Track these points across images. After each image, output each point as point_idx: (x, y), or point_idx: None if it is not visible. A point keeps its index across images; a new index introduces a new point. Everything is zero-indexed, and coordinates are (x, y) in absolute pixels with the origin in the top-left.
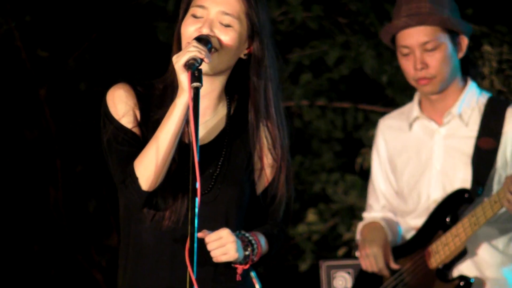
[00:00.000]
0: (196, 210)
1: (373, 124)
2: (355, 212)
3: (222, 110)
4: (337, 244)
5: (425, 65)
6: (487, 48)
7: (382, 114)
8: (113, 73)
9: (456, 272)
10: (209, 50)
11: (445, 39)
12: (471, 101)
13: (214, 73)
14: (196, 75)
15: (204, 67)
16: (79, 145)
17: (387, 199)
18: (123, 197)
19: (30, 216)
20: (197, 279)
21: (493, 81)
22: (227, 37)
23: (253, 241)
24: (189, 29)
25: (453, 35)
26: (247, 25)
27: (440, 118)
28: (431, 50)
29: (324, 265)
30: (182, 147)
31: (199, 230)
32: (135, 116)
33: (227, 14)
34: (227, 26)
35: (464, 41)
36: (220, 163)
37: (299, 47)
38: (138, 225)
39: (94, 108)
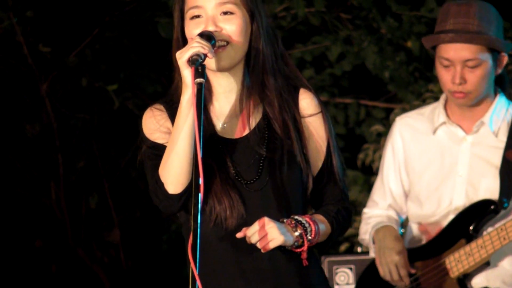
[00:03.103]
0: (199, 206)
1: (375, 120)
2: (356, 207)
3: (255, 98)
4: (339, 239)
5: (463, 81)
6: None
7: (384, 109)
8: (114, 69)
9: (476, 281)
10: (213, 46)
11: (487, 58)
12: (501, 112)
13: (233, 66)
14: (199, 71)
15: (223, 62)
16: (81, 141)
17: (394, 198)
18: (156, 205)
19: (31, 211)
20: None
21: None
22: (234, 26)
23: (303, 221)
24: (194, 32)
25: (495, 53)
26: (245, 9)
27: (468, 126)
28: (472, 67)
29: (326, 260)
30: (221, 142)
31: (258, 218)
32: (167, 131)
33: (224, 3)
34: (229, 13)
35: (505, 59)
36: (264, 150)
37: (301, 43)
38: (201, 227)
39: (95, 103)
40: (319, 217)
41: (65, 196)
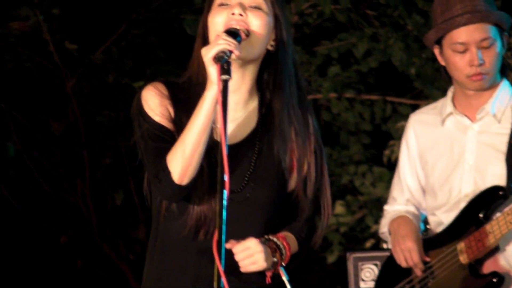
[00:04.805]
0: (225, 202)
1: (401, 116)
2: (382, 204)
3: (253, 106)
4: (364, 236)
5: (482, 61)
6: None
7: (411, 106)
8: (140, 66)
9: (486, 266)
10: (239, 43)
11: (497, 36)
12: (505, 98)
13: (246, 61)
14: (225, 68)
15: (240, 51)
16: (106, 137)
17: (412, 193)
18: (157, 191)
19: (57, 208)
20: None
21: None
22: (259, 21)
23: (281, 246)
24: (218, 17)
25: (502, 33)
26: (273, 12)
27: (473, 114)
28: (487, 48)
29: (351, 257)
30: (214, 146)
31: (229, 231)
32: (168, 113)
33: None
34: (257, 8)
35: (507, 39)
36: (253, 162)
37: (327, 40)
38: (167, 221)
39: (121, 100)
40: (291, 238)
41: (91, 193)
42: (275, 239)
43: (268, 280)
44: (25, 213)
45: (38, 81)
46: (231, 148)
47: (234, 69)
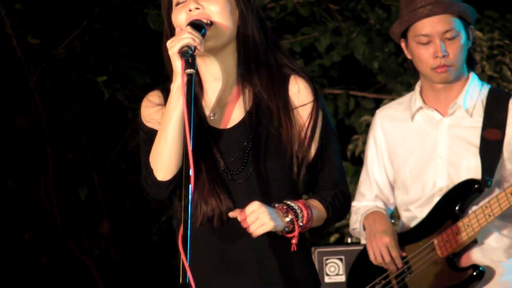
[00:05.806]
0: (190, 197)
1: (365, 111)
2: None
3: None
4: (329, 230)
5: (446, 53)
6: (478, 33)
7: (374, 100)
8: (104, 60)
9: (464, 260)
10: (203, 36)
11: (461, 29)
12: (474, 92)
13: (220, 48)
14: (190, 62)
15: (208, 42)
16: (70, 133)
17: (380, 189)
18: (146, 190)
19: (20, 203)
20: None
21: (484, 66)
22: (217, 7)
23: (294, 206)
24: (179, 16)
25: (466, 25)
26: None
27: (444, 109)
28: (451, 39)
29: (316, 251)
30: (210, 133)
31: (241, 208)
32: (161, 116)
33: None
34: None
35: (473, 32)
36: (251, 139)
37: (290, 34)
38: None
39: (85, 95)
40: (314, 202)
41: (55, 188)
42: (287, 202)
43: (293, 247)
44: None
45: (0, 76)
46: (229, 132)
47: (212, 60)
